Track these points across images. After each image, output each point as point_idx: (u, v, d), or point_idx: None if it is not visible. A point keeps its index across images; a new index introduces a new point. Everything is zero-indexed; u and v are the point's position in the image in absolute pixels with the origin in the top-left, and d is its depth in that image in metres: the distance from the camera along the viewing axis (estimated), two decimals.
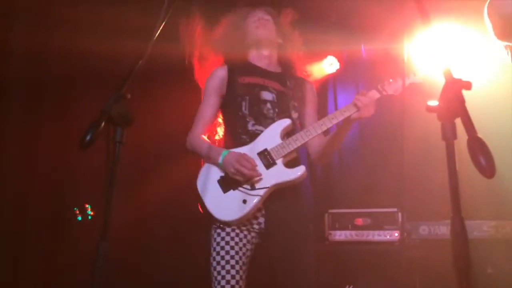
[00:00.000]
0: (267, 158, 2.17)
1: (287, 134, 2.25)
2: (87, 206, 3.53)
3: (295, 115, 2.31)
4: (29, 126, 3.33)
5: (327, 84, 4.52)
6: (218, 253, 2.11)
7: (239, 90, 2.27)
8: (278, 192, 2.17)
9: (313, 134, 2.19)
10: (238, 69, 2.33)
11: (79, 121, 3.33)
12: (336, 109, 4.42)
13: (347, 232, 3.43)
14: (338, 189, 4.21)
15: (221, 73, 2.34)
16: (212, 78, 2.34)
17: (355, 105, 2.16)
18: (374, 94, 2.20)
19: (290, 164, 2.21)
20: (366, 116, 2.15)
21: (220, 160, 2.16)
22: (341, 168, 4.34)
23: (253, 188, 2.13)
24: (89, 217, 3.52)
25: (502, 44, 2.13)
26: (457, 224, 1.16)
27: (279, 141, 2.20)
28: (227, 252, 2.10)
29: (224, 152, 2.16)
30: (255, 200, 2.11)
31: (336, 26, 4.01)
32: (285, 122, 2.25)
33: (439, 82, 1.26)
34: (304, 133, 2.20)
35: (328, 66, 4.44)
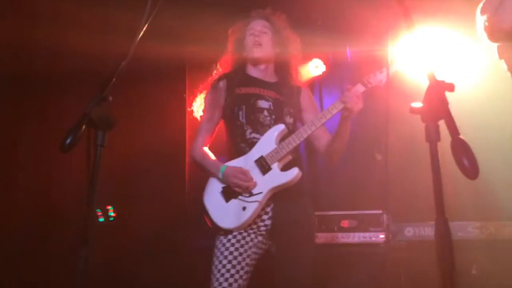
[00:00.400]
0: (263, 165, 2.29)
1: (283, 139, 2.34)
2: (109, 207, 3.53)
3: (290, 120, 2.40)
4: (10, 125, 3.26)
5: (313, 87, 4.52)
6: (220, 262, 2.20)
7: (236, 100, 2.39)
8: (282, 193, 2.28)
9: (303, 135, 2.28)
10: (236, 80, 2.44)
11: (61, 121, 3.31)
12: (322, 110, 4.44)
13: (334, 234, 3.44)
14: (323, 191, 4.22)
15: (220, 85, 2.46)
16: (212, 91, 2.47)
17: (342, 101, 2.23)
18: (359, 88, 2.25)
19: (287, 167, 2.31)
20: (355, 110, 2.21)
21: (220, 175, 2.32)
22: (326, 170, 4.35)
23: (250, 195, 2.26)
24: (111, 219, 3.52)
25: (492, 44, 2.14)
26: (441, 225, 1.17)
27: (274, 146, 2.31)
28: (227, 259, 2.19)
29: (222, 168, 2.31)
30: (254, 206, 2.24)
31: (321, 29, 4.03)
32: (279, 127, 2.34)
33: (423, 84, 1.27)
34: (296, 136, 2.30)
35: (313, 68, 4.45)
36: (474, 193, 3.18)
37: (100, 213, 3.44)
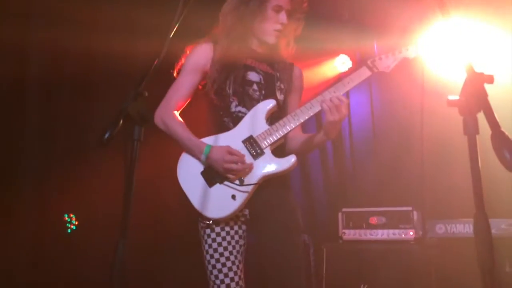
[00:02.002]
0: (254, 147, 2.00)
1: (272, 116, 2.08)
2: (71, 215, 3.35)
3: (281, 97, 2.13)
4: (44, 128, 3.36)
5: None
6: (212, 256, 2.00)
7: (223, 68, 2.06)
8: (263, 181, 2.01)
9: (300, 119, 2.01)
10: (225, 45, 2.09)
11: (94, 121, 3.39)
12: (349, 109, 4.39)
13: (361, 231, 3.41)
14: (351, 187, 4.19)
15: (206, 49, 2.12)
16: (195, 54, 2.13)
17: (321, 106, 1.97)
18: (364, 72, 2.05)
19: (279, 152, 2.05)
20: (333, 119, 1.93)
21: (203, 158, 1.98)
22: (354, 165, 4.31)
23: (241, 182, 1.96)
24: (74, 228, 3.35)
25: None
26: (480, 221, 1.15)
27: (265, 126, 2.03)
28: (221, 254, 1.99)
29: (206, 148, 1.97)
30: (245, 195, 1.96)
31: (348, 24, 3.98)
32: (270, 103, 2.07)
33: (457, 77, 1.25)
34: (292, 118, 2.02)
35: (340, 64, 4.42)
36: (507, 189, 3.11)
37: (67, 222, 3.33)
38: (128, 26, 3.54)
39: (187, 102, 2.15)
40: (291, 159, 2.01)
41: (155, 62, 1.38)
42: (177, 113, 2.11)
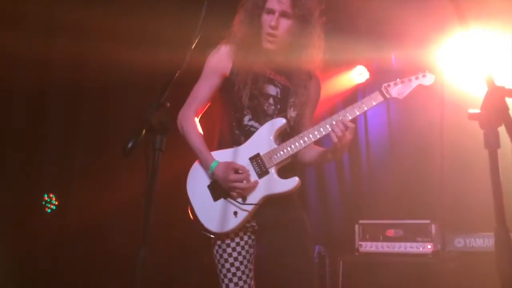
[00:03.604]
0: (260, 165, 2.03)
1: (281, 135, 2.09)
2: (51, 195, 3.37)
3: (293, 113, 2.12)
4: (67, 137, 3.43)
5: (356, 94, 4.49)
6: (223, 266, 2.05)
7: (242, 76, 2.03)
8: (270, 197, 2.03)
9: (307, 142, 2.02)
10: (244, 49, 2.05)
11: (115, 130, 3.44)
12: (366, 120, 4.38)
13: (378, 244, 3.38)
14: (368, 198, 4.16)
15: (226, 51, 2.09)
16: (215, 57, 2.11)
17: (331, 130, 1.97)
18: (377, 97, 2.02)
19: (284, 171, 2.06)
20: (337, 143, 1.94)
21: (209, 173, 2.03)
22: (371, 176, 4.28)
23: (244, 200, 2.00)
24: (54, 207, 3.36)
25: None
26: (501, 235, 1.13)
27: (272, 145, 2.04)
28: (232, 264, 2.04)
29: (213, 164, 2.01)
30: (246, 213, 2.00)
31: (365, 35, 3.99)
32: (280, 122, 2.06)
33: (478, 90, 1.24)
34: (300, 139, 2.02)
35: (357, 76, 4.42)
36: None
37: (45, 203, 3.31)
38: (147, 38, 3.61)
39: (208, 106, 2.17)
40: (294, 181, 2.02)
41: (177, 73, 1.40)
42: (197, 120, 2.14)
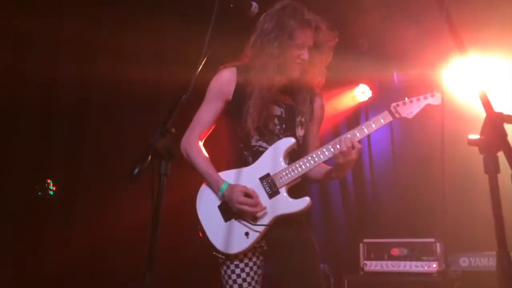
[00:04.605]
0: (270, 185, 2.04)
1: (290, 154, 2.10)
2: (49, 181, 3.34)
3: (301, 132, 2.14)
4: (71, 160, 3.44)
5: (359, 113, 4.52)
6: (231, 287, 2.05)
7: (246, 98, 2.05)
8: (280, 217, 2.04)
9: (317, 162, 2.04)
10: (248, 73, 2.07)
11: (122, 154, 3.44)
12: (369, 141, 4.40)
13: (383, 263, 3.37)
14: (372, 217, 4.15)
15: (228, 74, 2.11)
16: (218, 80, 2.12)
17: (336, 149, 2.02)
18: (386, 117, 2.06)
19: (294, 191, 2.06)
20: (341, 162, 1.99)
21: (220, 194, 2.04)
22: (375, 196, 4.28)
23: (255, 221, 2.01)
24: (51, 193, 3.33)
25: None
26: (503, 259, 1.14)
27: (282, 165, 2.05)
28: (240, 286, 2.05)
29: (223, 186, 2.02)
30: (258, 235, 2.01)
31: (368, 54, 4.03)
32: (289, 141, 2.08)
33: (480, 111, 1.26)
34: (310, 159, 2.04)
35: (360, 94, 4.46)
36: None
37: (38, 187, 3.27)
38: (153, 55, 3.66)
39: (212, 129, 2.17)
40: (305, 201, 2.03)
41: (182, 98, 1.42)
42: (201, 144, 2.14)
